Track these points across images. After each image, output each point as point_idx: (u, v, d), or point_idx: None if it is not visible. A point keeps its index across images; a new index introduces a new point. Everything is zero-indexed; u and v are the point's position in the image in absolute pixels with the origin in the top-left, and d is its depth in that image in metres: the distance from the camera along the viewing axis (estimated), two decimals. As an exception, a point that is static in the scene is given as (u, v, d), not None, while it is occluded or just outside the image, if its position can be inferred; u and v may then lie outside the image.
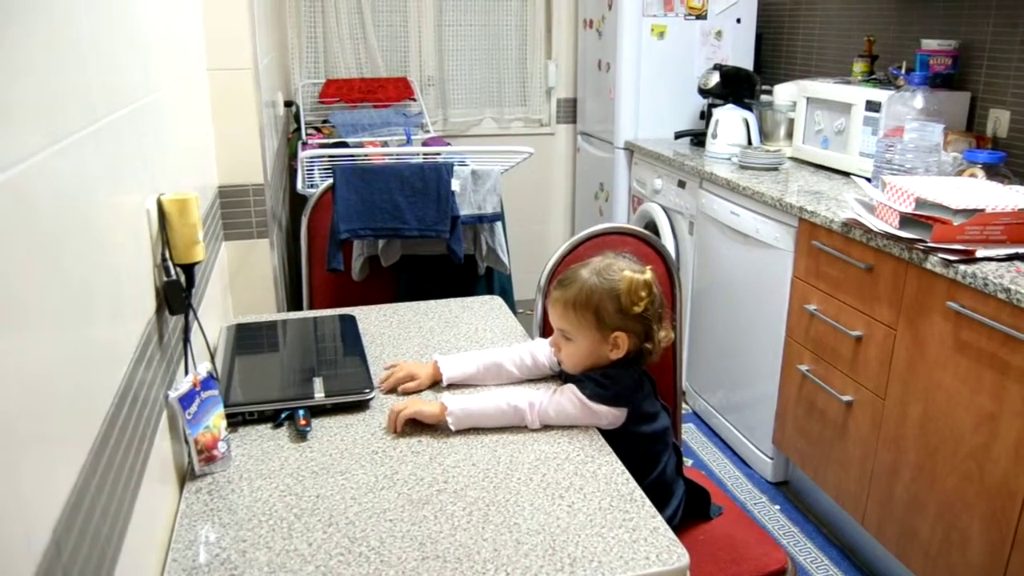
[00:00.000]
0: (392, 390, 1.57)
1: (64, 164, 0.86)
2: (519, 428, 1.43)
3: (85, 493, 0.82)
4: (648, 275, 1.46)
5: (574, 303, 1.46)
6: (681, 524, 1.61)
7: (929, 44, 2.78)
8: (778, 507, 2.71)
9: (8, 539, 0.65)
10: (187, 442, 1.28)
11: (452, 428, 1.39)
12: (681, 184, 3.25)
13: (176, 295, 1.24)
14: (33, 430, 0.72)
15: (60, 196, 0.84)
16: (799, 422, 2.59)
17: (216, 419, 1.31)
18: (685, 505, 1.62)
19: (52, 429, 0.77)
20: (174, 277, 1.24)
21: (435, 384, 1.60)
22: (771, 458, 2.81)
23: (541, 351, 1.63)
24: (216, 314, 1.86)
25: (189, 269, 1.29)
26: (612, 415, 1.44)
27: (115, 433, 0.95)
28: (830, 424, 2.43)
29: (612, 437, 1.43)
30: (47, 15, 0.85)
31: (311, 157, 2.54)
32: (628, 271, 1.45)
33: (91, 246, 0.94)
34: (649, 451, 1.52)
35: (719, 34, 3.65)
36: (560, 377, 1.59)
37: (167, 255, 1.24)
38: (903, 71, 2.79)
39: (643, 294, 1.44)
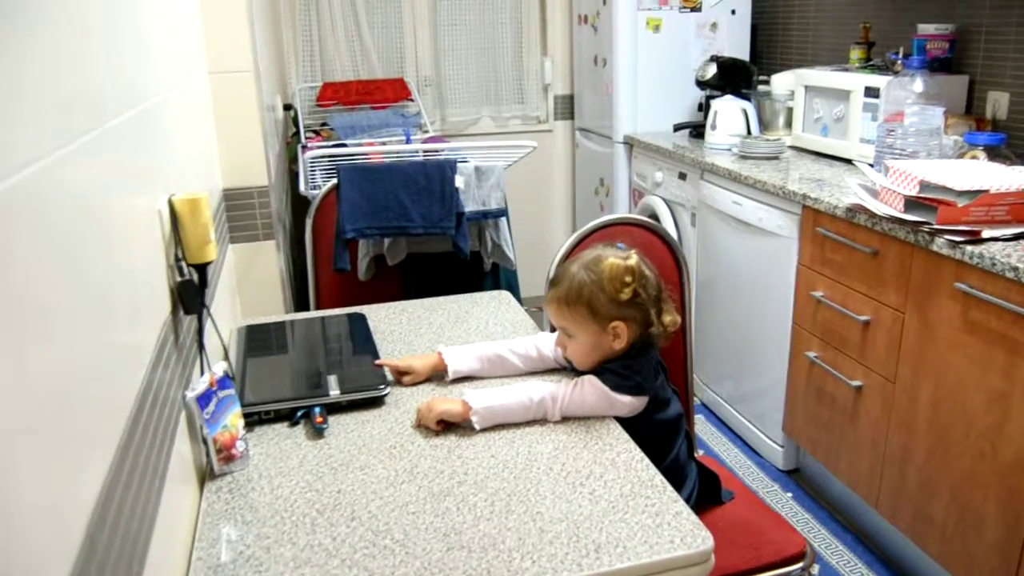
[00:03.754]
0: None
1: (78, 164, 0.86)
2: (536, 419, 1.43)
3: (114, 491, 0.82)
4: (632, 260, 1.46)
5: (567, 299, 1.46)
6: (695, 509, 1.61)
7: (926, 29, 2.78)
8: (790, 495, 2.71)
9: (46, 535, 0.65)
10: (205, 442, 1.28)
11: (477, 427, 1.39)
12: (682, 176, 3.25)
13: (190, 295, 1.24)
14: (64, 431, 0.73)
15: (76, 197, 0.84)
16: (809, 409, 2.59)
17: (233, 418, 1.31)
18: (697, 490, 1.62)
19: (82, 430, 0.78)
20: (188, 277, 1.24)
21: (438, 373, 1.61)
22: (781, 446, 2.81)
23: (546, 344, 1.63)
24: (225, 316, 1.86)
25: (201, 269, 1.30)
26: (633, 404, 1.44)
27: (138, 433, 0.95)
28: (840, 410, 2.43)
29: (626, 424, 1.43)
30: (59, 17, 0.85)
31: (315, 158, 2.54)
32: (612, 258, 1.45)
33: (108, 248, 0.94)
34: (663, 437, 1.53)
35: (714, 26, 3.66)
36: (571, 370, 1.59)
37: (180, 255, 1.24)
38: (901, 56, 2.80)
39: (627, 279, 1.43)
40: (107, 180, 0.97)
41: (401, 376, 1.59)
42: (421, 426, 1.42)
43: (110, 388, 0.88)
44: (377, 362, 1.62)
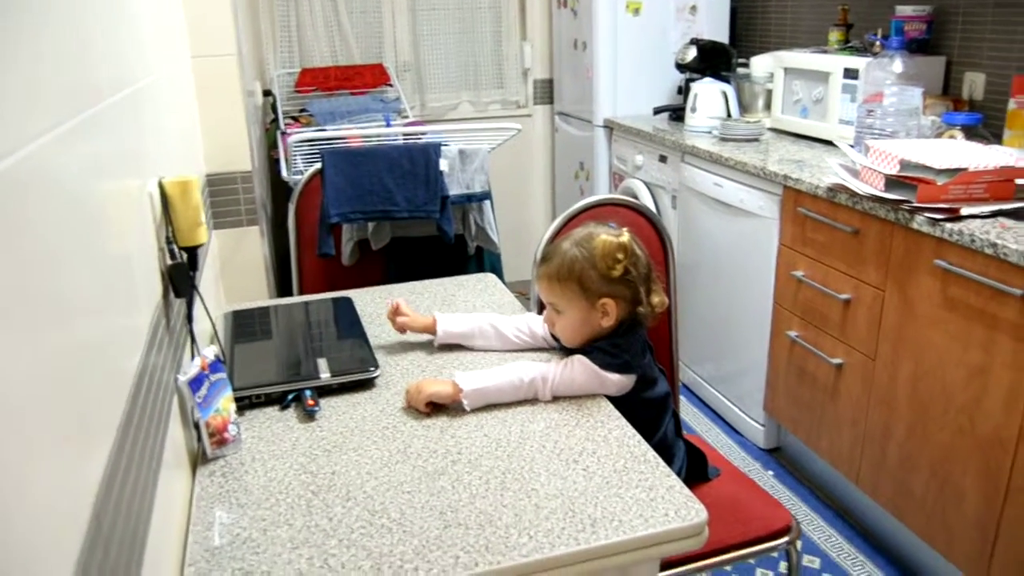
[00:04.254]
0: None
1: (75, 144, 0.86)
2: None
3: (115, 474, 0.82)
4: (624, 238, 1.47)
5: (558, 275, 1.47)
6: (684, 486, 1.63)
7: (904, 10, 2.80)
8: (771, 472, 2.75)
9: (57, 513, 0.65)
10: (197, 426, 1.28)
11: (467, 409, 1.40)
12: (662, 159, 3.26)
13: (182, 278, 1.23)
14: (73, 411, 0.73)
15: (73, 178, 0.84)
16: (790, 388, 2.63)
17: (225, 402, 1.31)
18: (686, 467, 1.64)
19: (89, 411, 0.78)
20: (179, 259, 1.23)
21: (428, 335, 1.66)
22: (763, 425, 2.85)
23: (537, 323, 1.64)
24: (210, 302, 1.85)
25: (192, 252, 1.29)
26: (622, 383, 1.45)
27: (136, 416, 0.95)
28: (821, 388, 2.47)
29: (615, 403, 1.44)
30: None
31: (298, 142, 2.53)
32: (604, 235, 1.47)
33: (106, 230, 0.94)
34: (651, 415, 1.54)
35: (694, 9, 3.67)
36: (560, 351, 1.60)
37: (171, 238, 1.24)
38: (880, 37, 2.82)
39: (620, 256, 1.45)
40: (101, 162, 0.97)
41: (395, 316, 1.64)
42: (411, 407, 1.43)
43: (112, 371, 0.88)
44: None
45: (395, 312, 1.64)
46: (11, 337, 0.60)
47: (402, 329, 1.65)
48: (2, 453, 0.56)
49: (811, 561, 2.33)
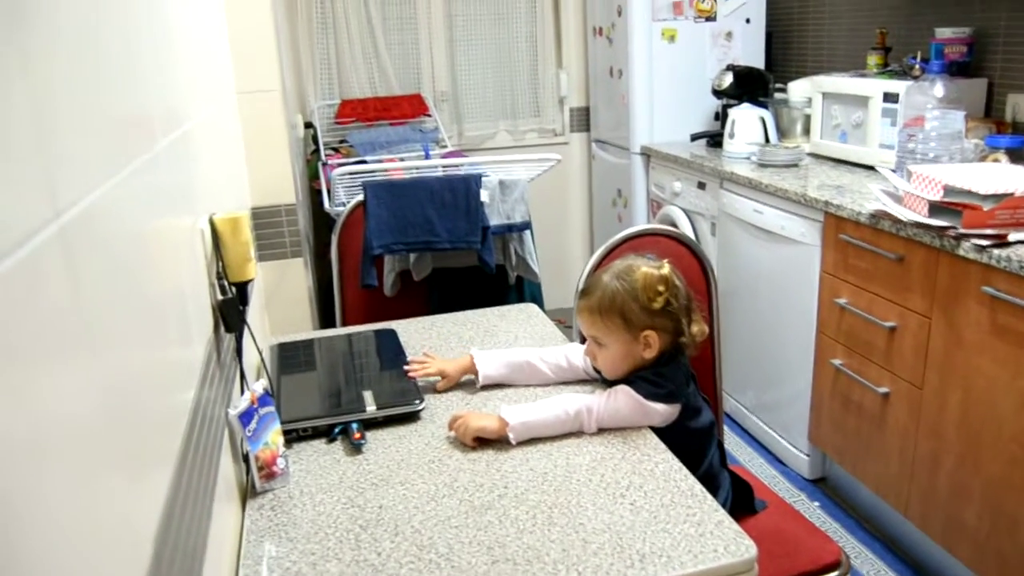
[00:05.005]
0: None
1: (133, 186, 0.88)
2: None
3: (173, 508, 0.83)
4: (665, 270, 1.48)
5: (599, 309, 1.47)
6: (729, 518, 1.61)
7: (943, 33, 2.78)
8: (817, 504, 2.71)
9: (122, 547, 0.66)
10: (246, 459, 1.30)
11: (513, 443, 1.40)
12: (701, 185, 3.26)
13: (233, 312, 1.25)
14: (134, 446, 0.74)
15: (130, 219, 0.86)
16: (835, 417, 2.59)
17: (274, 435, 1.33)
18: (731, 499, 1.62)
19: (146, 446, 0.79)
20: (230, 295, 1.26)
21: (468, 379, 1.64)
22: (807, 455, 2.80)
23: (576, 354, 1.64)
24: (257, 334, 1.88)
25: (241, 287, 1.31)
26: (667, 413, 1.45)
27: (191, 451, 0.96)
28: (867, 417, 2.43)
29: (660, 434, 1.44)
30: (115, 43, 0.87)
31: (341, 174, 2.56)
32: (645, 268, 1.47)
33: (161, 268, 0.96)
34: (696, 446, 1.53)
35: (729, 35, 3.67)
36: (602, 382, 1.59)
37: (221, 273, 1.26)
38: (919, 61, 2.80)
39: (660, 288, 1.45)
40: (156, 201, 0.99)
41: (425, 372, 1.63)
42: (455, 436, 1.43)
43: (169, 405, 0.90)
44: (406, 368, 1.64)
45: (425, 377, 1.63)
46: (72, 375, 0.61)
47: (445, 389, 1.63)
48: (66, 489, 0.57)
49: (860, 594, 2.29)
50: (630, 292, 1.46)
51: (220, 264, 1.27)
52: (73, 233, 0.65)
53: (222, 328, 1.29)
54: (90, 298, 0.68)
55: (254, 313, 1.81)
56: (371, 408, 1.49)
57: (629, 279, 1.47)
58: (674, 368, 1.48)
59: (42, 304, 0.56)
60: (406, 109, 3.75)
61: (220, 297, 1.26)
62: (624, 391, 1.45)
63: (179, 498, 0.86)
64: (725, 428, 3.19)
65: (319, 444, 1.45)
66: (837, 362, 2.52)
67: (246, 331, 1.35)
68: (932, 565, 2.34)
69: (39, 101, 0.60)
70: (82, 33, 0.75)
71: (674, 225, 3.42)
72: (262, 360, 1.51)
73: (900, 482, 2.32)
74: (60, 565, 0.54)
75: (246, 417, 1.27)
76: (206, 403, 1.11)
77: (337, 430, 1.46)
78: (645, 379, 1.46)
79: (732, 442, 3.12)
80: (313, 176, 3.44)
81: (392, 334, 1.87)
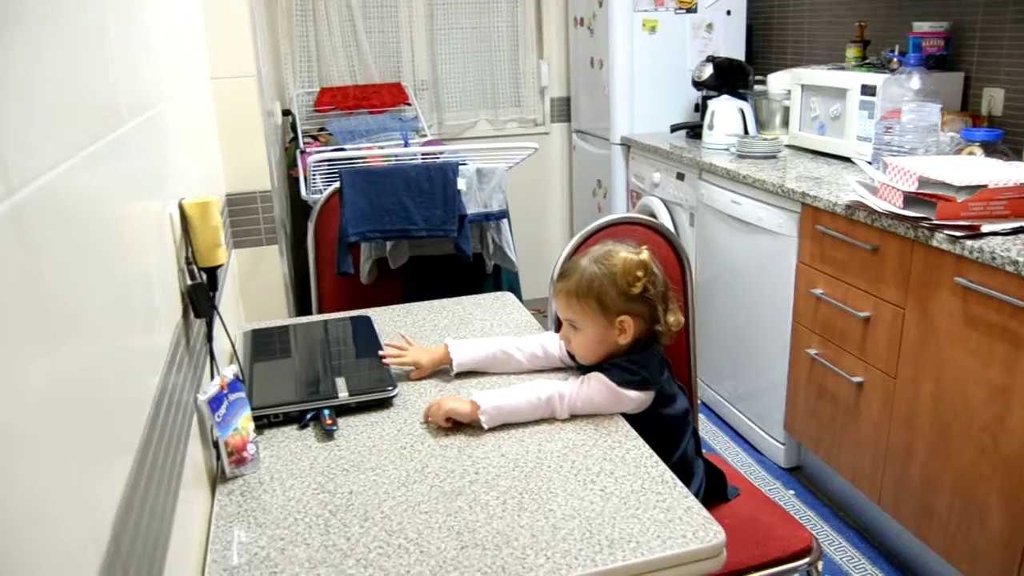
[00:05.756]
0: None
1: (96, 168, 0.87)
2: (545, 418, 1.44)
3: (135, 493, 0.83)
4: (644, 255, 1.48)
5: (576, 292, 1.48)
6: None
7: (921, 26, 2.80)
8: (792, 492, 2.72)
9: (76, 532, 0.65)
10: (216, 445, 1.29)
11: (485, 427, 1.40)
12: (680, 176, 3.26)
13: (202, 298, 1.24)
14: (94, 431, 0.73)
15: (95, 201, 0.85)
16: (810, 406, 2.61)
17: (244, 421, 1.32)
18: (705, 487, 1.63)
19: (109, 431, 0.78)
20: (199, 280, 1.25)
21: (443, 367, 1.63)
22: (783, 444, 2.82)
23: (552, 343, 1.64)
24: (230, 320, 1.87)
25: (211, 272, 1.30)
26: (640, 399, 1.45)
27: (155, 436, 0.96)
28: (841, 406, 2.45)
29: (635, 421, 1.44)
30: (78, 24, 0.86)
31: (318, 161, 2.54)
32: (624, 253, 1.47)
33: (126, 252, 0.95)
34: (671, 433, 1.54)
35: (710, 26, 3.67)
36: (576, 369, 1.60)
37: (191, 258, 1.25)
38: (897, 54, 2.82)
39: (639, 274, 1.45)
40: (123, 184, 0.98)
41: (401, 360, 1.62)
42: (429, 422, 1.43)
43: (132, 391, 0.89)
44: (381, 353, 1.64)
45: (399, 366, 1.62)
46: (30, 357, 0.61)
47: (419, 379, 1.63)
48: (21, 473, 0.56)
49: (832, 582, 2.31)
50: (608, 276, 1.46)
51: (189, 249, 1.26)
52: (29, 212, 0.64)
53: (191, 313, 1.28)
54: (49, 279, 0.67)
55: (226, 299, 1.80)
56: (343, 394, 1.49)
57: (608, 264, 1.47)
58: (648, 355, 1.48)
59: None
60: (386, 98, 3.73)
61: (189, 282, 1.25)
62: (597, 377, 1.45)
63: (141, 482, 0.85)
64: (702, 417, 3.21)
65: (291, 430, 1.45)
66: (812, 352, 2.53)
67: (216, 317, 1.34)
68: (904, 553, 2.37)
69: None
70: (43, 14, 0.74)
71: (653, 215, 3.42)
72: (233, 346, 1.50)
73: (874, 471, 2.34)
74: (8, 546, 0.53)
75: (216, 402, 1.26)
76: (173, 388, 1.10)
77: (309, 416, 1.46)
78: (619, 366, 1.46)
79: (709, 431, 3.13)
80: (291, 164, 3.42)
81: (367, 321, 1.86)
